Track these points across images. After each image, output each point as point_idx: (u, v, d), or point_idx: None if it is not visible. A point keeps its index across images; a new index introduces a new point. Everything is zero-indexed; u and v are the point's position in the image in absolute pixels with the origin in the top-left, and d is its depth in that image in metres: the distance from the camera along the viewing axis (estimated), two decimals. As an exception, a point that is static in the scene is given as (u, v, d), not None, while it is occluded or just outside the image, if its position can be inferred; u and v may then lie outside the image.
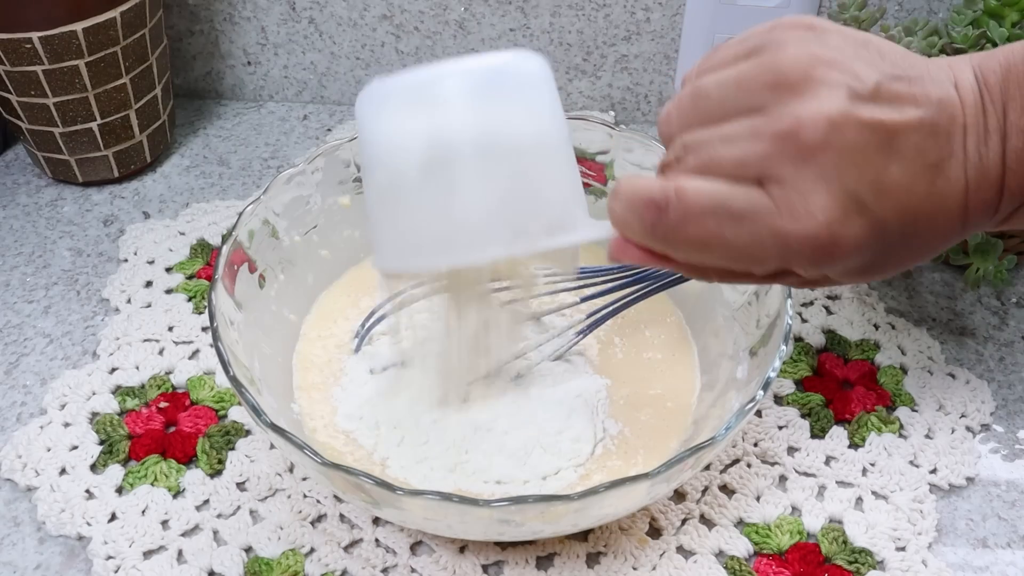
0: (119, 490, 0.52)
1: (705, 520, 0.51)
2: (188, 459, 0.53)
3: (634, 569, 0.49)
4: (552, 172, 0.40)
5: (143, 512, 0.51)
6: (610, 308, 0.53)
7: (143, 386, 0.57)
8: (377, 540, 0.50)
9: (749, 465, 0.53)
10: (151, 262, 0.65)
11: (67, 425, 0.55)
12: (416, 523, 0.45)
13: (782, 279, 0.36)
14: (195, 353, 0.59)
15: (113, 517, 0.51)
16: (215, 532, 0.50)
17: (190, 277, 0.64)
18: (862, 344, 0.59)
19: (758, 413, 0.55)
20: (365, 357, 0.55)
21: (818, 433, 0.55)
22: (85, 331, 0.61)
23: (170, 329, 0.60)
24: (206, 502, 0.51)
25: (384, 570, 0.49)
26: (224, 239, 0.52)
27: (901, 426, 0.55)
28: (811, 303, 0.62)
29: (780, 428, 0.55)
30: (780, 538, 0.50)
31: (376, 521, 0.50)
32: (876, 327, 0.61)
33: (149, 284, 0.64)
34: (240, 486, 0.52)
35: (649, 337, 0.57)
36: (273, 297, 0.55)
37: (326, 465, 0.42)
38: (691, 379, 0.55)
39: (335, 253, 0.59)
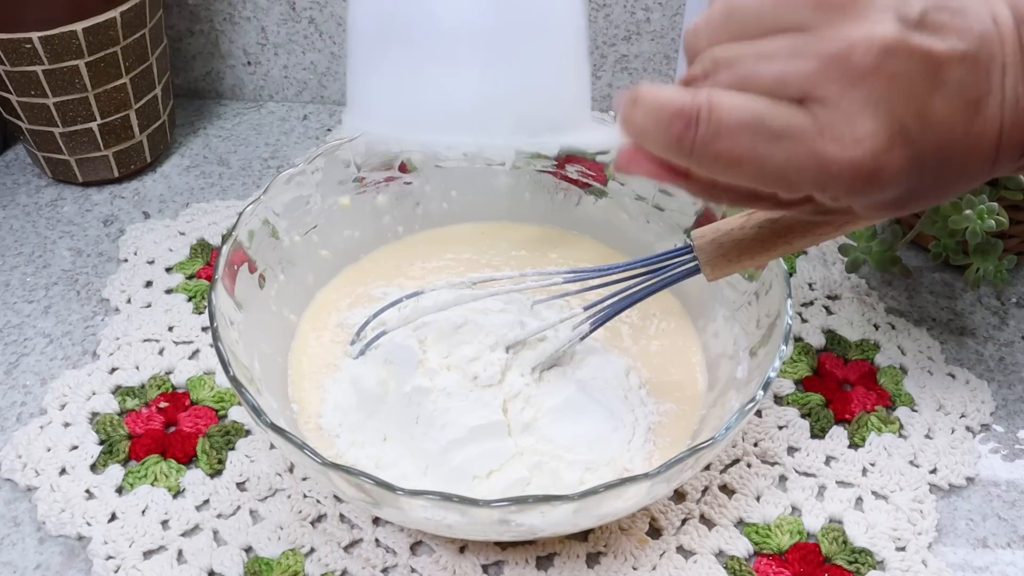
0: (119, 490, 0.52)
1: (705, 520, 0.51)
2: (188, 459, 0.53)
3: (634, 569, 0.49)
4: (564, 64, 0.37)
5: (143, 512, 0.51)
6: (609, 310, 0.53)
7: (143, 386, 0.57)
8: (377, 540, 0.50)
9: (749, 465, 0.53)
10: (151, 262, 0.65)
11: (67, 425, 0.55)
12: (416, 523, 0.45)
13: (802, 206, 0.35)
14: (195, 353, 0.59)
15: (113, 517, 0.51)
16: (215, 532, 0.50)
17: (190, 277, 0.64)
18: (862, 344, 0.59)
19: (758, 413, 0.55)
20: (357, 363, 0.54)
21: (818, 433, 0.55)
22: (85, 331, 0.61)
23: (170, 329, 0.60)
24: (206, 502, 0.51)
25: (384, 570, 0.49)
26: (224, 239, 0.52)
27: (901, 426, 0.55)
28: (811, 303, 0.62)
29: (780, 428, 0.55)
30: (780, 538, 0.50)
31: (376, 521, 0.50)
32: (876, 327, 0.61)
33: (149, 284, 0.64)
34: (240, 486, 0.52)
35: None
36: (273, 297, 0.55)
37: (326, 465, 0.42)
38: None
39: (335, 253, 0.60)
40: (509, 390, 0.50)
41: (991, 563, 0.49)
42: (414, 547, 0.50)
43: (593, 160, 0.60)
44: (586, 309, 0.51)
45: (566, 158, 0.61)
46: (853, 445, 0.54)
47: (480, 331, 0.51)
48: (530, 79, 0.36)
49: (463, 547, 0.49)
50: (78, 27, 0.63)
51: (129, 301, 0.63)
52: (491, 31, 0.35)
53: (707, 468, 0.53)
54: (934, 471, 0.53)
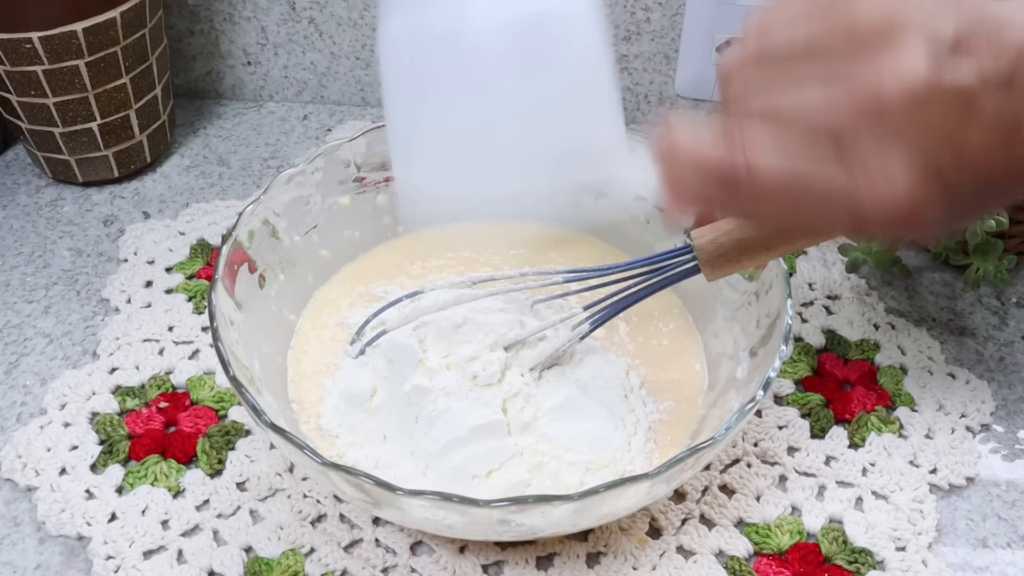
0: (119, 490, 0.52)
1: (705, 520, 0.51)
2: (188, 459, 0.53)
3: (634, 569, 0.49)
4: (596, 103, 0.38)
5: (143, 512, 0.51)
6: (609, 310, 0.53)
7: (143, 386, 0.57)
8: (377, 540, 0.50)
9: (749, 465, 0.53)
10: (151, 262, 0.65)
11: (67, 425, 0.55)
12: (416, 523, 0.45)
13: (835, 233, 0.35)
14: (195, 353, 0.59)
15: (113, 517, 0.51)
16: (215, 532, 0.50)
17: (190, 277, 0.64)
18: (862, 344, 0.59)
19: (758, 413, 0.55)
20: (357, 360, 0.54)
21: (818, 433, 0.55)
22: (85, 331, 0.61)
23: (170, 329, 0.60)
24: (206, 502, 0.51)
25: (384, 570, 0.49)
26: (224, 239, 0.52)
27: (901, 426, 0.55)
28: (811, 303, 0.62)
29: (780, 428, 0.55)
30: (780, 538, 0.50)
31: (376, 521, 0.50)
32: (876, 327, 0.61)
33: (149, 284, 0.64)
34: (240, 486, 0.52)
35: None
36: (273, 297, 0.55)
37: (326, 465, 0.42)
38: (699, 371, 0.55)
39: (335, 253, 0.60)
40: (509, 389, 0.50)
41: (991, 563, 0.49)
42: (414, 547, 0.50)
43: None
44: (586, 309, 0.51)
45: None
46: (853, 445, 0.54)
47: (480, 330, 0.51)
48: (565, 121, 0.37)
49: (463, 547, 0.49)
50: (78, 27, 0.63)
51: (129, 301, 0.63)
52: (523, 80, 0.36)
53: (707, 468, 0.53)
54: (934, 471, 0.53)
